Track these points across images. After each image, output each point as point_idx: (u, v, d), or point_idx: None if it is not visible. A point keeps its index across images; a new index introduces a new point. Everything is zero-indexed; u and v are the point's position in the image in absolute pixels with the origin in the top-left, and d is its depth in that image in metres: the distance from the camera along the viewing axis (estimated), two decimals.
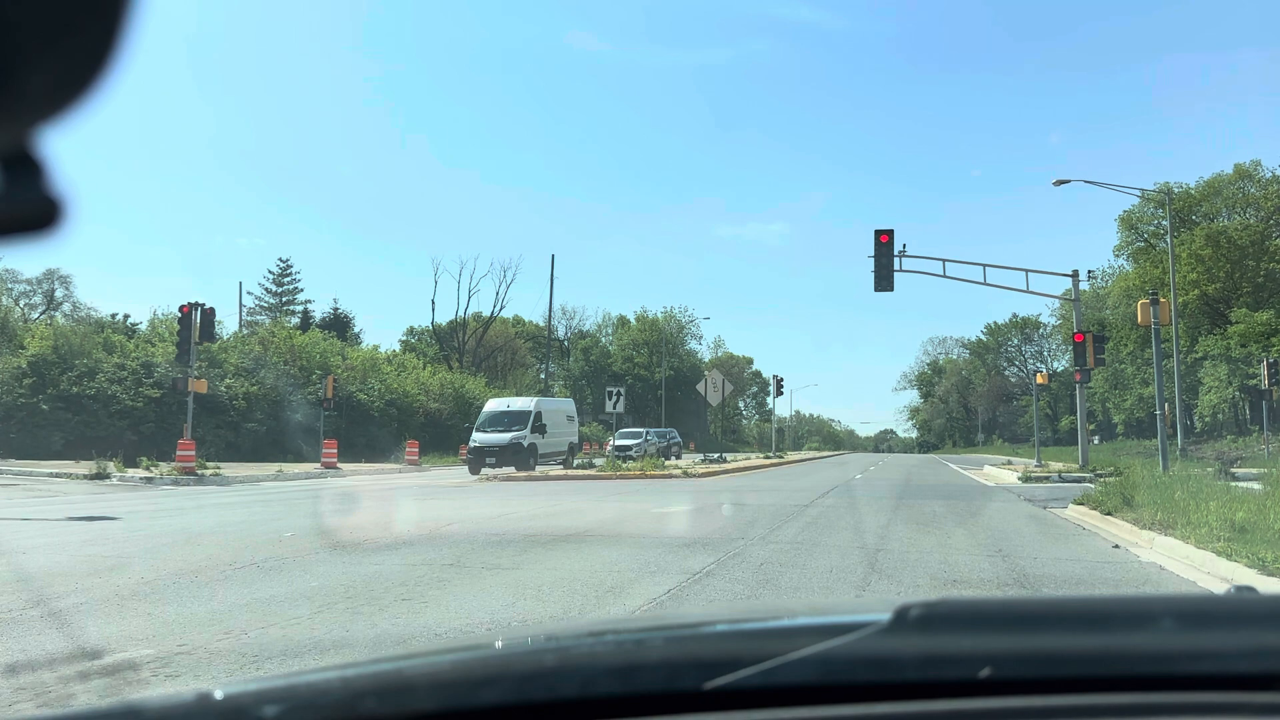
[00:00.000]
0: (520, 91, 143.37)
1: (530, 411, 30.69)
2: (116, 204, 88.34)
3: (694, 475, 24.59)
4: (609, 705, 1.01)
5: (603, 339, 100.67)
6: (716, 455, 37.45)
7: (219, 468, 28.80)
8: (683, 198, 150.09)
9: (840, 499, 17.35)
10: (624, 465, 27.17)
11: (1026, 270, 28.92)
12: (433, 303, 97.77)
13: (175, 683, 4.29)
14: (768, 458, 44.39)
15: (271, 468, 29.75)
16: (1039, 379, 34.78)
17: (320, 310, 70.47)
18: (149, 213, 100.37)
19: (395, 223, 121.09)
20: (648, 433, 42.02)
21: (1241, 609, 1.26)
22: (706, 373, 42.43)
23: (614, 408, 29.62)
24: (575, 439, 34.26)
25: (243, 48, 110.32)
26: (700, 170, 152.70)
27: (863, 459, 56.58)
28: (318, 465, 31.10)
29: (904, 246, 28.74)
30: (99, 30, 0.60)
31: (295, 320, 64.73)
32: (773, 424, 64.04)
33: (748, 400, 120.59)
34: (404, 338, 76.90)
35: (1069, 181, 37.73)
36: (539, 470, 28.57)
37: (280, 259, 71.33)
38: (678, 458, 39.67)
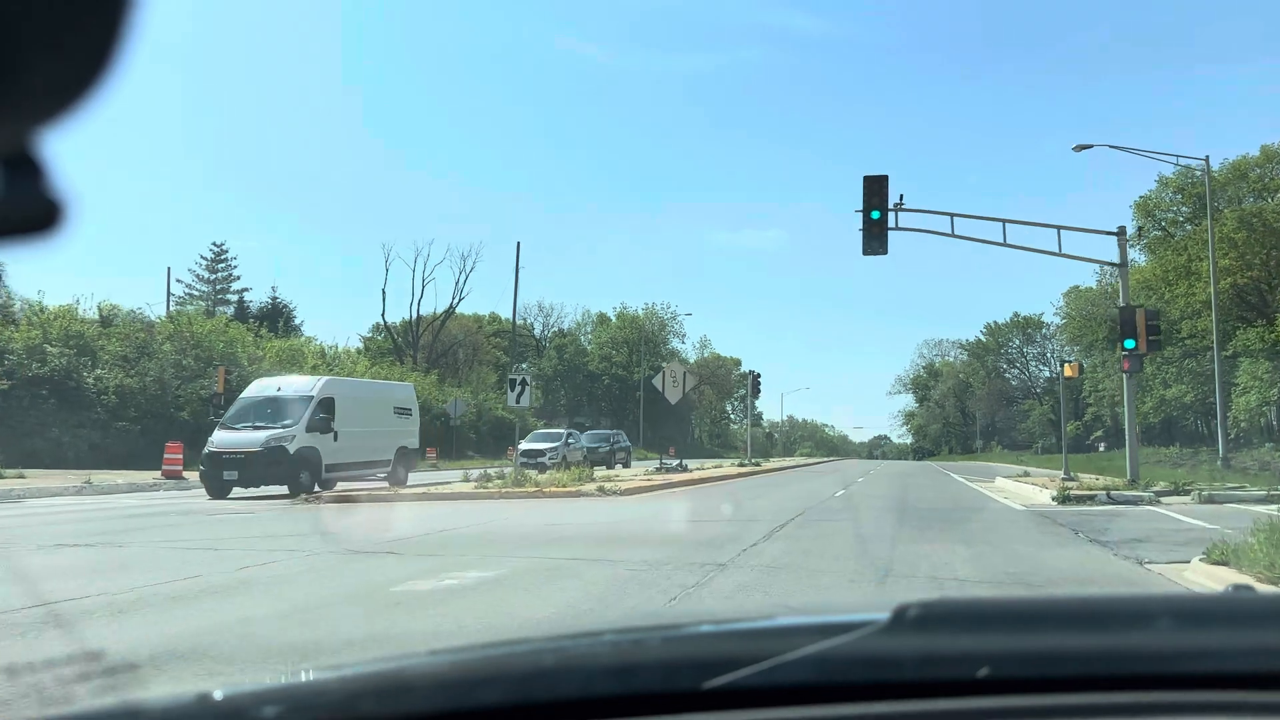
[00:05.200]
0: (512, 95, 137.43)
1: (309, 397, 19.45)
2: (98, 203, 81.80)
3: (613, 493, 18.01)
4: (607, 705, 0.99)
5: (582, 338, 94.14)
6: (676, 463, 30.81)
7: (23, 474, 22.60)
8: (676, 202, 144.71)
9: (797, 540, 10.90)
10: (534, 476, 20.64)
11: (1059, 227, 22.39)
12: (383, 292, 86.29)
13: None
14: (741, 466, 37.65)
15: (96, 476, 23.19)
16: (1067, 371, 28.30)
17: (258, 300, 63.84)
18: (120, 206, 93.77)
19: (370, 223, 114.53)
20: (569, 434, 34.65)
21: (1239, 608, 1.26)
22: (665, 365, 35.79)
23: (517, 401, 21.77)
24: (412, 441, 23.53)
25: (226, 46, 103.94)
26: (693, 175, 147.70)
27: (853, 467, 50.07)
28: (158, 474, 24.58)
29: (901, 198, 22.46)
30: (100, 30, 0.59)
31: (230, 310, 58.28)
32: (747, 427, 56.91)
33: (735, 404, 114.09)
34: (368, 334, 69.99)
35: (1090, 146, 31.87)
36: (340, 488, 19.48)
37: (214, 243, 64.34)
38: (626, 465, 33.05)
